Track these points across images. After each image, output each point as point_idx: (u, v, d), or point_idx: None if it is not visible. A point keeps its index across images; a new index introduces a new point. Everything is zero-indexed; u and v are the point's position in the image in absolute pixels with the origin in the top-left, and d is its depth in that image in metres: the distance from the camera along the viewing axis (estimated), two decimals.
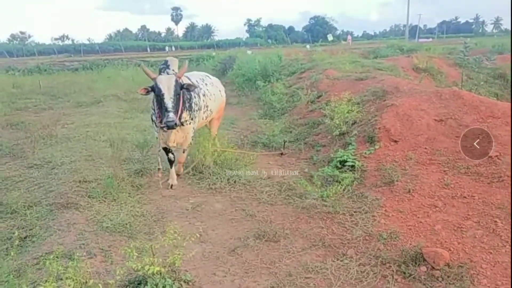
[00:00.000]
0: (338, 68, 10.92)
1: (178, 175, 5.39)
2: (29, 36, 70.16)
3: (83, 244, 3.40)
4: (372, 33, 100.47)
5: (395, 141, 5.65)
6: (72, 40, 63.26)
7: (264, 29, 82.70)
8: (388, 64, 12.22)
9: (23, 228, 3.74)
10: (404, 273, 3.04)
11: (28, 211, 4.04)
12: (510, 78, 11.42)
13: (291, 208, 4.42)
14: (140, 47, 58.42)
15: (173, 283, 2.81)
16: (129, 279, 2.82)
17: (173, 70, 4.77)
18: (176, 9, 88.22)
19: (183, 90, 4.62)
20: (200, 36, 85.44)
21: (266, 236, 3.70)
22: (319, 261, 3.29)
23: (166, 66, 4.84)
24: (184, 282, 2.92)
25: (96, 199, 4.42)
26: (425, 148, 5.32)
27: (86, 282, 2.35)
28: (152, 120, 5.01)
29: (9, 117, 9.42)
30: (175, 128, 4.45)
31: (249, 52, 23.61)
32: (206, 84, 5.73)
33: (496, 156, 4.75)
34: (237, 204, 4.54)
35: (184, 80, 4.87)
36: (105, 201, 4.39)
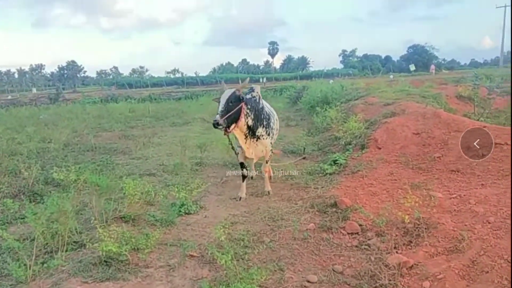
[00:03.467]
0: (380, 96, 12.79)
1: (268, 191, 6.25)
2: (147, 70, 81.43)
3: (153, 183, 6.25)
4: (482, 61, 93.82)
5: (379, 148, 7.62)
6: (181, 74, 72.17)
7: (359, 59, 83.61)
8: (434, 93, 13.60)
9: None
10: (320, 210, 5.24)
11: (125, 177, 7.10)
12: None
13: (285, 185, 6.76)
14: (239, 79, 64.50)
15: (193, 204, 5.47)
16: (172, 202, 5.56)
17: (257, 93, 5.95)
18: (272, 43, 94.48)
19: (245, 102, 5.47)
20: (295, 68, 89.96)
21: (256, 194, 6.16)
22: (278, 205, 5.62)
23: (251, 89, 6.08)
24: (199, 206, 5.56)
25: (168, 173, 7.37)
26: (396, 153, 7.22)
27: (149, 192, 5.11)
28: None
29: (124, 132, 13.46)
30: (216, 128, 5.13)
31: (330, 81, 26.04)
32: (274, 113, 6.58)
33: (439, 157, 6.52)
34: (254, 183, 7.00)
35: (265, 105, 6.10)
36: (172, 174, 7.31)
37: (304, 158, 8.79)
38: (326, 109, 14.44)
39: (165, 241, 4.44)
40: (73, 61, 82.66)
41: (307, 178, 6.79)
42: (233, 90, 5.38)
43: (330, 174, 6.93)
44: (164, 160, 8.38)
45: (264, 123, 5.92)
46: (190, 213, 5.39)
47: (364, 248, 4.08)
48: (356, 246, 4.17)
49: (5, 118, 19.13)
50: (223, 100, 5.24)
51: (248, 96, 5.84)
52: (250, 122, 5.67)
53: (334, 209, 5.19)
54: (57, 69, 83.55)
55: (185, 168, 7.68)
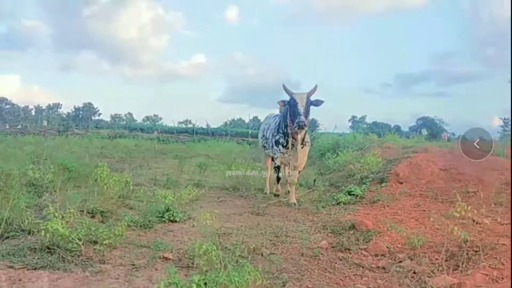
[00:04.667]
0: (396, 142, 12.01)
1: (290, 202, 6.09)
2: (160, 118, 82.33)
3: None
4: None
5: (401, 182, 6.67)
6: (193, 124, 72.78)
7: (368, 125, 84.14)
8: None
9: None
10: (334, 231, 4.24)
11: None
12: None
13: (291, 209, 5.78)
14: (248, 134, 64.69)
15: (181, 212, 4.52)
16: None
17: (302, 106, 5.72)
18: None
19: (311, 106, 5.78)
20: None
21: (256, 213, 5.20)
22: (283, 224, 4.63)
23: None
24: (187, 215, 4.61)
25: (158, 186, 6.46)
26: (422, 187, 6.26)
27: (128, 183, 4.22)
28: (270, 146, 6.52)
29: (123, 158, 12.67)
30: (303, 129, 5.55)
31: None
32: None
33: (474, 192, 5.55)
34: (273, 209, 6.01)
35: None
36: (163, 188, 6.40)
37: (313, 190, 7.84)
38: (337, 154, 13.68)
39: (136, 241, 3.46)
40: (89, 103, 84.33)
41: (317, 205, 5.81)
42: (306, 93, 5.72)
43: (345, 203, 5.95)
44: (157, 176, 7.48)
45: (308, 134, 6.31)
46: (175, 221, 4.42)
47: (396, 271, 3.05)
48: (383, 268, 3.15)
49: (9, 141, 18.63)
50: (301, 101, 5.57)
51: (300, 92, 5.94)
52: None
53: (352, 232, 4.20)
54: (73, 109, 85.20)
55: (179, 185, 6.77)
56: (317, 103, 5.89)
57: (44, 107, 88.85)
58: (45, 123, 46.11)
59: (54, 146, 16.78)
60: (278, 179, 6.70)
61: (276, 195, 6.82)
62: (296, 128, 5.62)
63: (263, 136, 7.26)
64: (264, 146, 7.15)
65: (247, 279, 2.03)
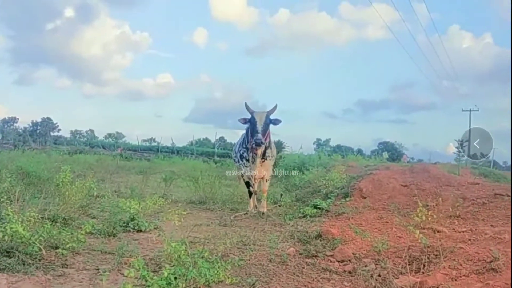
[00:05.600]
0: (359, 162, 12.38)
1: (261, 211, 6.34)
2: (123, 136, 79.89)
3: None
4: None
5: (364, 197, 6.86)
6: (157, 143, 71.39)
7: (332, 149, 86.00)
8: None
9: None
10: (301, 240, 4.28)
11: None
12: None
13: (258, 221, 5.78)
14: (214, 153, 64.35)
15: (146, 222, 4.42)
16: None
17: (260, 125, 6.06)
18: None
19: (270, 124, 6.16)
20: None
21: (223, 223, 5.16)
22: (250, 234, 4.63)
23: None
24: (154, 225, 4.50)
25: (122, 197, 6.28)
26: (384, 202, 6.47)
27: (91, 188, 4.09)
28: (237, 160, 6.77)
29: (83, 172, 12.18)
30: (260, 146, 5.91)
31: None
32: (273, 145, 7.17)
33: (433, 205, 5.79)
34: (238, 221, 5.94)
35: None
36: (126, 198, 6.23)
37: (279, 206, 7.88)
38: (303, 173, 13.89)
39: (100, 248, 3.35)
40: (48, 118, 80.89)
41: (284, 218, 5.85)
42: (265, 112, 6.11)
43: (311, 216, 6.01)
44: (121, 188, 7.27)
45: (270, 146, 6.58)
46: (141, 230, 4.31)
47: (361, 274, 3.12)
48: (350, 272, 3.21)
49: None
50: (260, 120, 5.94)
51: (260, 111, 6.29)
52: (267, 144, 6.34)
53: (318, 240, 4.26)
54: (30, 124, 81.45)
55: (144, 197, 6.60)
56: (276, 122, 6.28)
57: None
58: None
59: (9, 159, 15.95)
60: (250, 193, 6.81)
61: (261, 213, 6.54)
62: (253, 145, 5.99)
63: (234, 150, 7.46)
64: (234, 160, 7.34)
65: (217, 272, 2.01)
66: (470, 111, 40.35)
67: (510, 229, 3.97)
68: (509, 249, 2.91)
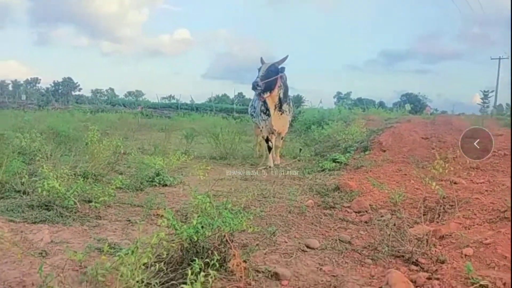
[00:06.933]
0: (380, 115, 12.25)
1: (275, 164, 6.80)
2: (142, 94, 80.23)
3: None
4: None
5: (383, 150, 6.89)
6: (177, 100, 71.65)
7: (353, 101, 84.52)
8: None
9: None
10: (319, 193, 4.42)
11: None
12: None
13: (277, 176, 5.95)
14: (233, 109, 64.37)
15: (171, 177, 4.62)
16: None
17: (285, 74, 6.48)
18: None
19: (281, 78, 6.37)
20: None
21: (244, 178, 5.34)
22: (270, 187, 4.80)
23: (283, 68, 6.49)
24: (178, 180, 4.71)
25: (146, 154, 6.52)
26: (404, 155, 6.49)
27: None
28: (256, 115, 7.00)
29: (106, 130, 12.56)
30: (255, 89, 5.98)
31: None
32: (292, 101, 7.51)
33: (454, 157, 5.79)
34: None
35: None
36: (150, 155, 6.47)
37: (298, 160, 8.02)
38: (323, 127, 13.88)
39: (129, 201, 3.57)
40: (69, 78, 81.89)
41: (303, 172, 5.99)
42: (272, 63, 6.20)
43: (329, 170, 6.13)
44: (144, 145, 7.52)
45: (288, 101, 6.77)
46: (166, 185, 4.53)
47: (376, 224, 3.25)
48: (366, 222, 3.35)
49: None
50: (264, 67, 6.06)
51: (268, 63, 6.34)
52: (281, 95, 6.47)
53: (336, 192, 4.39)
54: (52, 84, 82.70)
55: (167, 153, 6.83)
56: (282, 70, 6.35)
57: (22, 82, 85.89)
58: (23, 97, 44.90)
59: (35, 119, 16.51)
60: (269, 148, 6.95)
61: (276, 165, 6.91)
62: (251, 88, 6.07)
63: (251, 105, 7.46)
64: (252, 115, 7.42)
65: (241, 222, 2.17)
66: (499, 59, 38.53)
67: None
68: None
